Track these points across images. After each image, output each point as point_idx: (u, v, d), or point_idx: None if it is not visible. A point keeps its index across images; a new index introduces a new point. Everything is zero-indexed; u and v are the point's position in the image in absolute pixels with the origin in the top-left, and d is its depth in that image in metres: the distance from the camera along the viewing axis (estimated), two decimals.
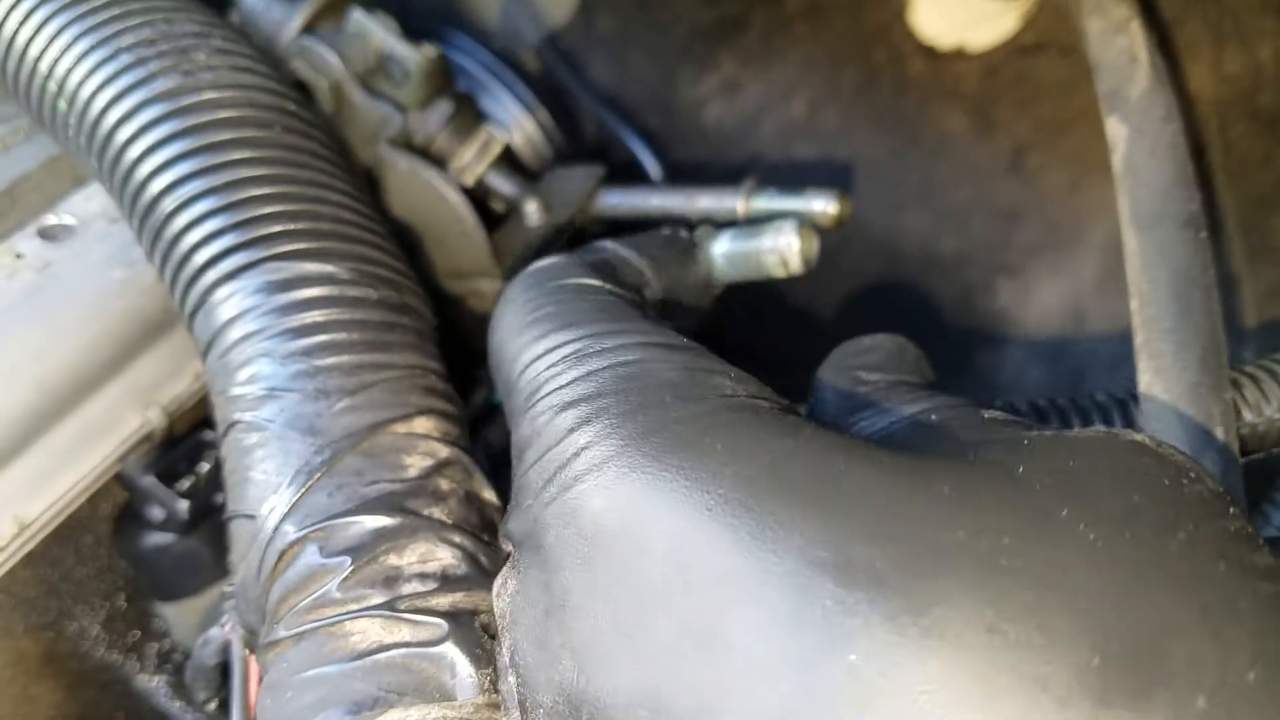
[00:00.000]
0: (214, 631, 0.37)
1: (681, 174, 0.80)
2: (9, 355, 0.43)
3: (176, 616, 0.50)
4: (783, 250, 0.46)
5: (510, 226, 0.55)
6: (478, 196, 0.56)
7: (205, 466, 0.46)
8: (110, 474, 0.45)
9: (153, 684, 0.49)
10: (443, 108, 0.55)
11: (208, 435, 0.47)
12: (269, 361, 0.35)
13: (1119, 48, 0.47)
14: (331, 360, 0.35)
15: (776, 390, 0.31)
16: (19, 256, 0.46)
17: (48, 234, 0.48)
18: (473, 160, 0.56)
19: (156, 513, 0.46)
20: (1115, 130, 0.45)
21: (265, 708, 0.30)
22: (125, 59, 0.41)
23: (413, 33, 0.55)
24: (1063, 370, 0.77)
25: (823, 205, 0.51)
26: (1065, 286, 0.76)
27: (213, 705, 0.38)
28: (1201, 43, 0.54)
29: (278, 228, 0.38)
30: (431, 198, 0.50)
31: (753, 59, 0.79)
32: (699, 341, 0.32)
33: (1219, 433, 0.36)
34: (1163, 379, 0.38)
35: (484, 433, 0.54)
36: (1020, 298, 0.78)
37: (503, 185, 0.57)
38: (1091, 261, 0.75)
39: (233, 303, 0.37)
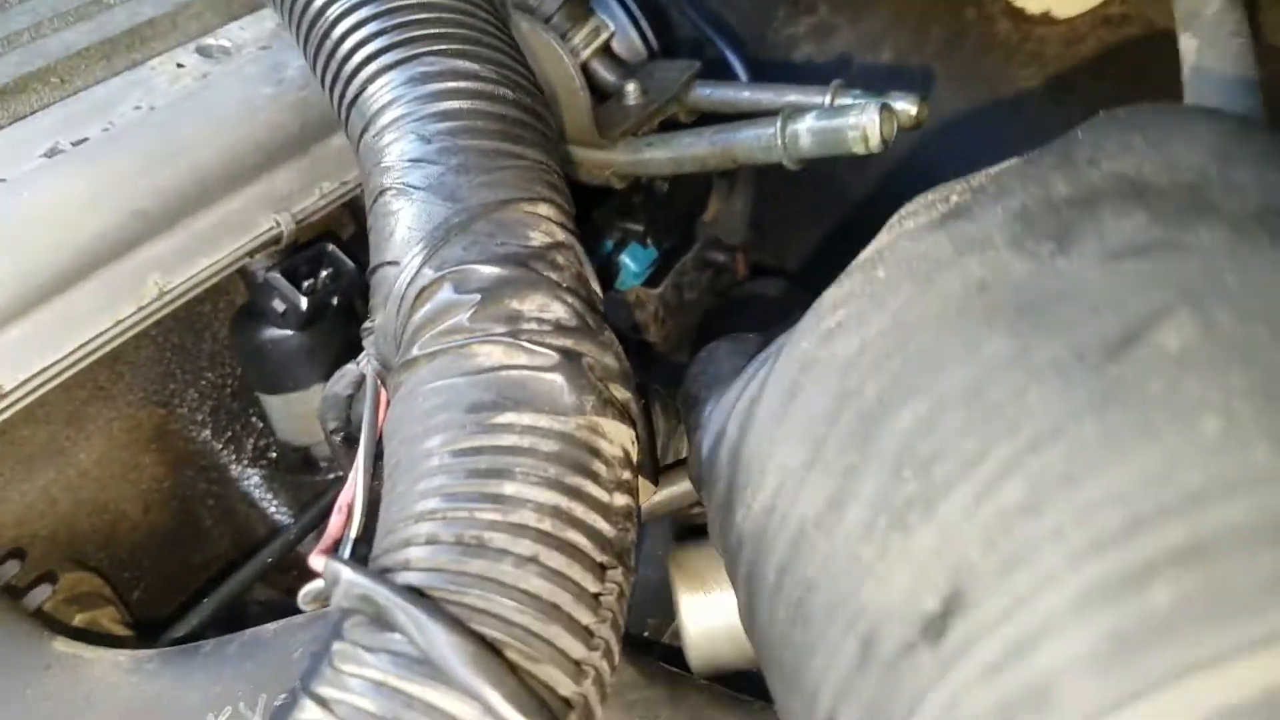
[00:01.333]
0: (349, 366, 0.42)
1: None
2: (167, 144, 0.49)
3: (280, 410, 0.55)
4: (865, 126, 0.50)
5: (611, 104, 0.60)
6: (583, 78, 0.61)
7: (324, 273, 0.52)
8: (240, 263, 0.51)
9: (247, 475, 0.54)
10: None
11: (329, 247, 0.52)
12: (417, 139, 0.40)
13: None
14: (471, 142, 0.40)
15: None
16: (180, 66, 0.52)
17: (205, 51, 0.54)
18: (581, 44, 0.61)
19: (276, 306, 0.51)
20: (1186, 45, 0.48)
21: (395, 416, 0.35)
22: None
23: None
24: None
25: (904, 105, 0.55)
26: None
27: (339, 437, 0.43)
28: None
29: (429, 30, 0.43)
30: (548, 59, 0.55)
31: (846, 6, 0.83)
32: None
33: None
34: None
35: None
36: None
37: (605, 72, 0.62)
38: None
39: (385, 92, 0.41)
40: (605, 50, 0.62)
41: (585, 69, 0.61)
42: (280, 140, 0.52)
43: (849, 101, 0.56)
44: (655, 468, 0.44)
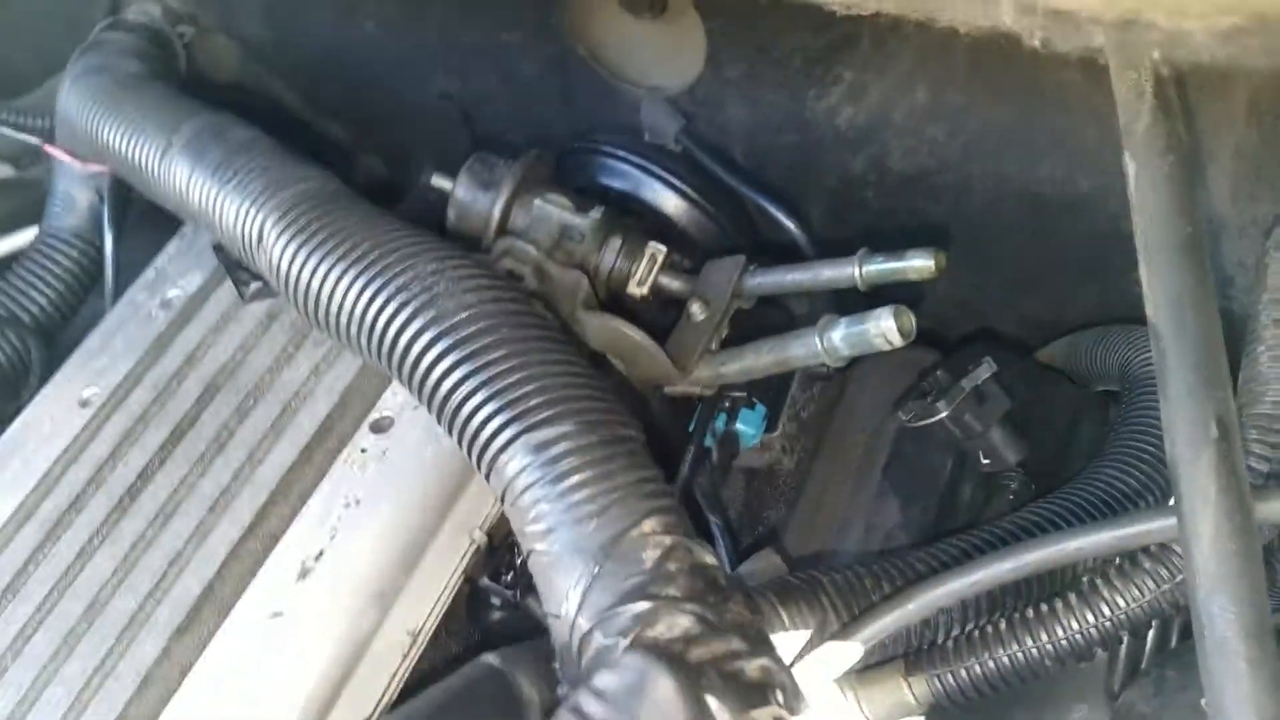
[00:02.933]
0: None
1: (826, 174, 0.91)
2: (381, 523, 0.65)
3: None
4: (885, 332, 0.59)
5: (683, 327, 0.70)
6: (656, 298, 0.72)
7: (519, 559, 0.66)
8: (461, 581, 0.66)
9: None
10: (614, 244, 0.71)
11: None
12: (544, 505, 0.52)
13: (1129, 83, 0.54)
14: (580, 495, 0.51)
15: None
16: (363, 450, 0.68)
17: (376, 427, 0.69)
18: (644, 273, 0.72)
19: (495, 601, 0.67)
20: (1127, 166, 0.53)
21: None
22: (398, 300, 0.59)
23: (576, 147, 0.68)
24: (1214, 279, 0.82)
25: (921, 261, 0.63)
26: (1203, 201, 0.80)
27: None
28: None
29: (530, 404, 0.54)
30: (620, 338, 0.67)
31: (870, 64, 0.87)
32: None
33: (1212, 428, 0.46)
34: (1163, 385, 0.48)
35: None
36: None
37: (672, 284, 0.73)
38: (1221, 173, 0.79)
39: (512, 466, 0.53)
40: (667, 263, 0.73)
41: (655, 288, 0.72)
42: (455, 481, 0.67)
43: (875, 269, 0.64)
44: None
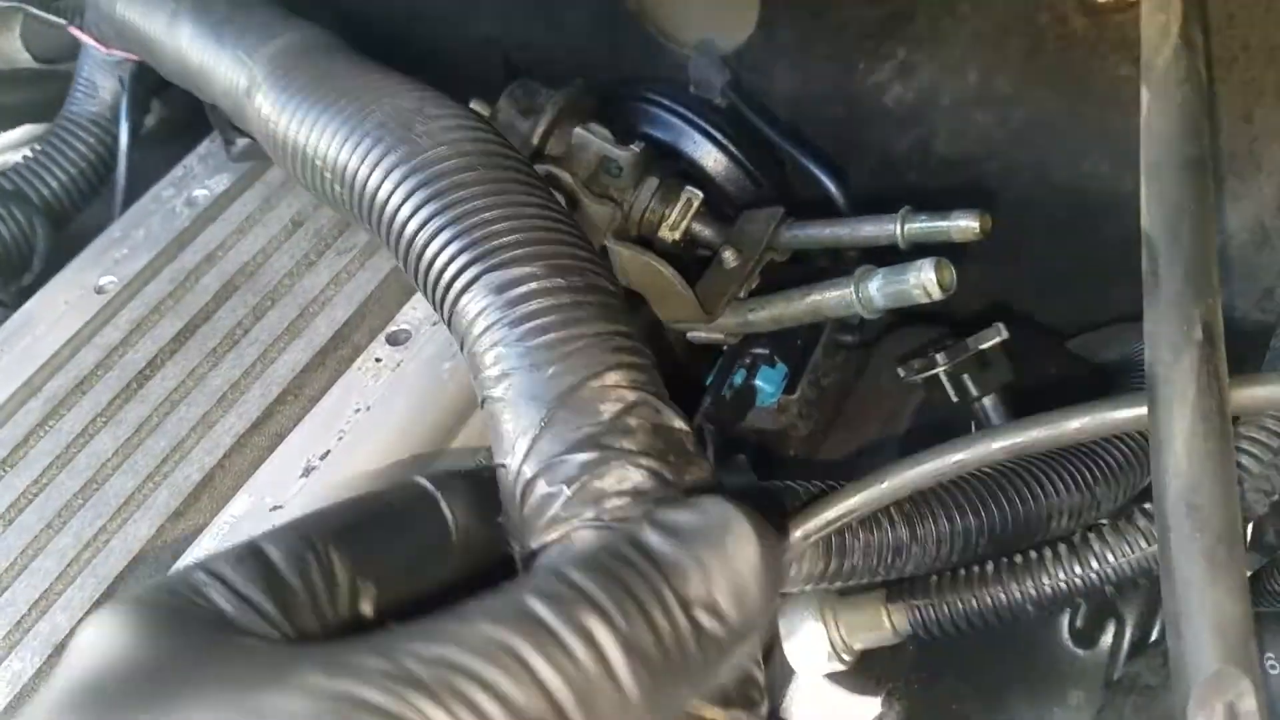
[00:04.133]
0: None
1: (869, 152, 0.90)
2: (389, 431, 0.64)
3: None
4: (925, 284, 0.58)
5: (713, 272, 0.69)
6: (687, 244, 0.71)
7: None
8: None
9: None
10: (650, 183, 0.70)
11: None
12: (501, 349, 0.47)
13: (1157, 24, 0.53)
14: (541, 339, 0.47)
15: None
16: (378, 360, 0.67)
17: (393, 339, 0.68)
18: (678, 218, 0.71)
19: None
20: (1143, 97, 0.52)
21: None
22: (371, 138, 0.55)
23: (620, 93, 0.67)
24: (1254, 290, 0.81)
25: (966, 222, 0.61)
26: (1248, 210, 0.80)
27: None
28: None
29: (495, 243, 0.49)
30: (650, 273, 0.66)
31: (923, 43, 0.86)
32: None
33: (1197, 331, 0.45)
34: (1150, 293, 0.47)
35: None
36: None
37: (705, 231, 0.72)
38: (1270, 184, 0.78)
39: (471, 307, 0.49)
40: (702, 210, 0.72)
41: (687, 235, 0.71)
42: (466, 403, 0.66)
43: (917, 227, 0.63)
44: None
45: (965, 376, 0.69)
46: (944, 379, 0.69)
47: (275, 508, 0.61)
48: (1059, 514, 0.60)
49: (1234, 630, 0.38)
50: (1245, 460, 0.53)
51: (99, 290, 0.75)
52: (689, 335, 0.69)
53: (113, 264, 0.76)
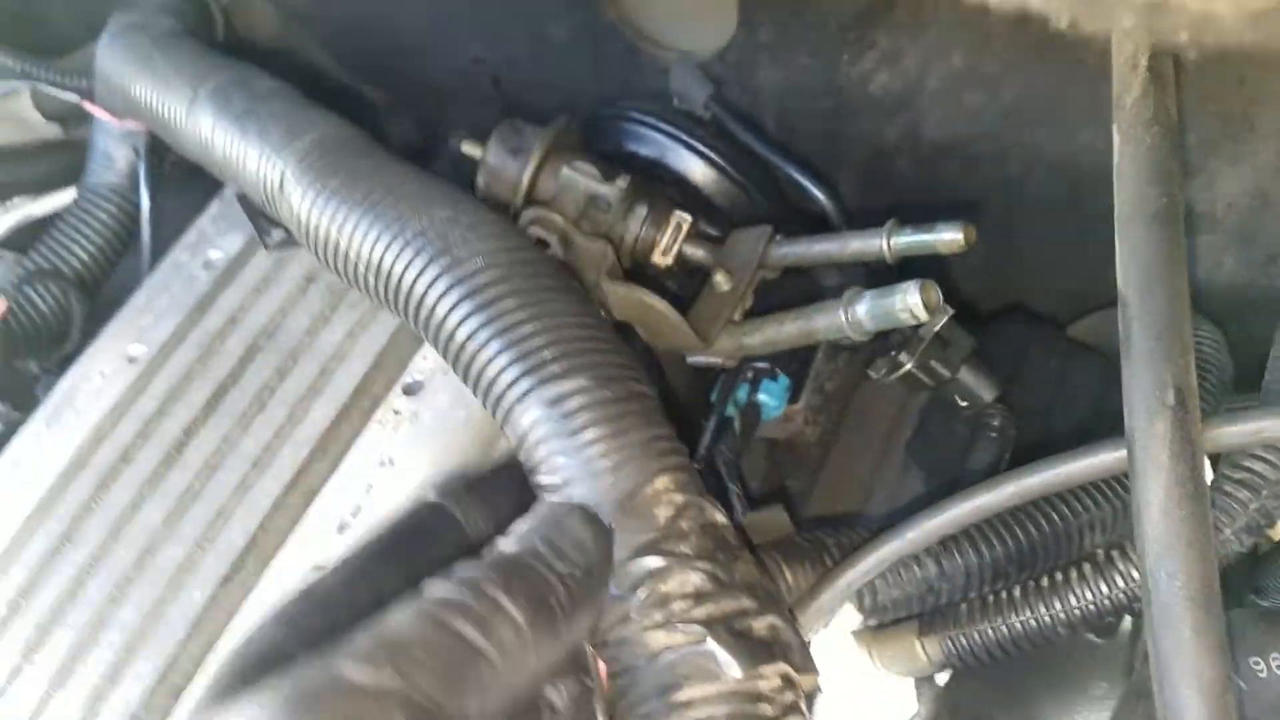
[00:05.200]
0: None
1: (859, 142, 0.91)
2: (414, 483, 0.67)
3: None
4: (910, 307, 0.59)
5: (706, 297, 0.71)
6: (680, 266, 0.73)
7: None
8: None
9: None
10: (639, 213, 0.72)
11: None
12: (559, 459, 0.52)
13: (1125, 55, 0.54)
14: (595, 450, 0.52)
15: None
16: (397, 412, 0.71)
17: (408, 390, 0.71)
18: (669, 242, 0.73)
19: None
20: (1114, 138, 0.53)
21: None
22: (413, 247, 0.59)
23: (604, 113, 0.69)
24: (1257, 256, 0.82)
25: (951, 235, 0.63)
26: (1246, 175, 0.80)
27: None
28: None
29: (544, 355, 0.54)
30: (644, 308, 0.68)
31: (905, 28, 0.87)
32: None
33: (1169, 396, 0.47)
34: (1125, 352, 0.48)
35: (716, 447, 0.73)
36: (1204, 193, 0.82)
37: (697, 253, 0.74)
38: (1268, 148, 0.78)
39: (526, 418, 0.54)
40: (692, 232, 0.74)
41: (679, 258, 0.73)
42: (479, 450, 0.69)
43: (903, 240, 0.65)
44: None
45: (933, 363, 0.72)
46: (915, 372, 0.71)
47: (316, 566, 0.65)
48: (1090, 529, 0.63)
49: (1212, 692, 0.41)
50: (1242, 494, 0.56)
51: (131, 360, 0.79)
52: (688, 359, 0.72)
53: (140, 332, 0.80)
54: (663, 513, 0.51)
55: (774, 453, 0.80)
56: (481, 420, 0.67)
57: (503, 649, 0.41)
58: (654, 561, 0.50)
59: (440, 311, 0.57)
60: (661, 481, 0.52)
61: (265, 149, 0.66)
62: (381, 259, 0.60)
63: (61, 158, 0.97)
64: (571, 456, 0.52)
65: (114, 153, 0.91)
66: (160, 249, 0.88)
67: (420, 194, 0.61)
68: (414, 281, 0.59)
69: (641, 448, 0.53)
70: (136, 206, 0.91)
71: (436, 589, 0.43)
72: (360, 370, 0.73)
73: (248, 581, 0.66)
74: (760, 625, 0.50)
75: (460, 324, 0.56)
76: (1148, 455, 0.46)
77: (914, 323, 0.60)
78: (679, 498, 0.52)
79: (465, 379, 0.58)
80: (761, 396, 0.75)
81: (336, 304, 0.77)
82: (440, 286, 0.57)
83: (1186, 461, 0.46)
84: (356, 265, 0.62)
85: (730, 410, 0.76)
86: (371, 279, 0.61)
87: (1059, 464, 0.53)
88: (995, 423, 0.76)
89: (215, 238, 0.84)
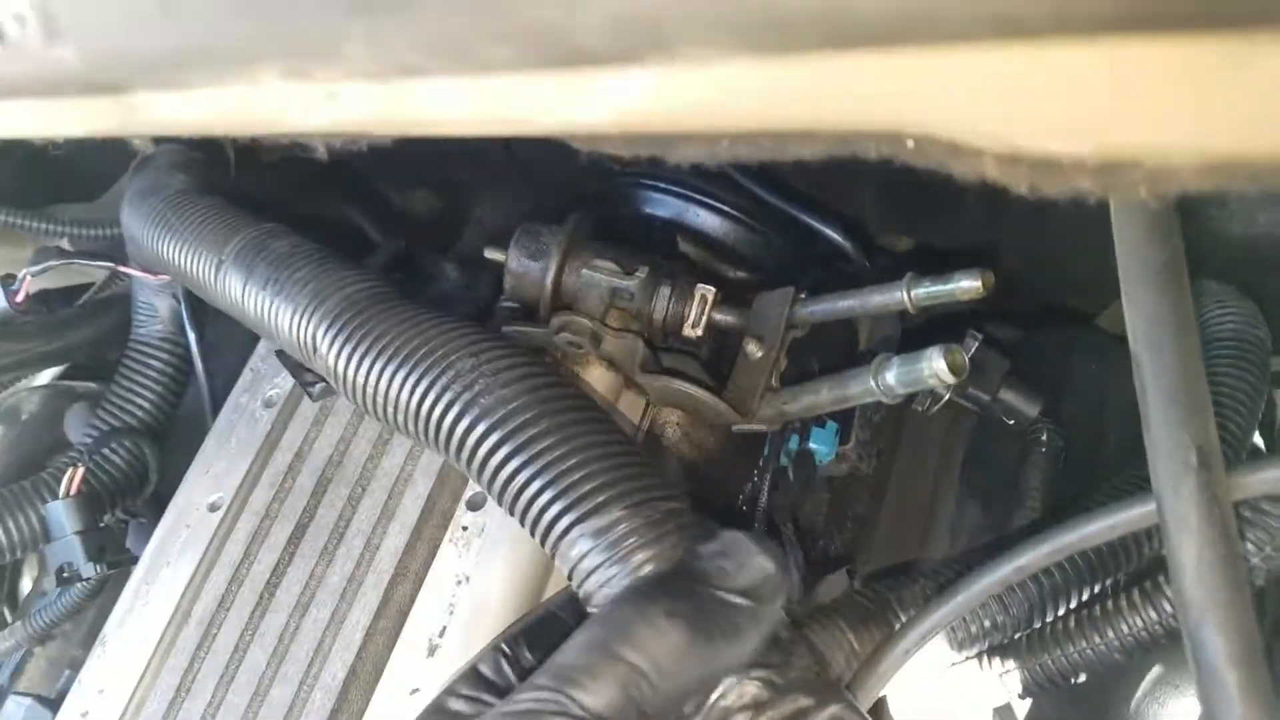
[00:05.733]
0: None
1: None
2: (492, 597, 0.70)
3: None
4: (937, 373, 0.60)
5: (741, 367, 0.73)
6: (709, 334, 0.75)
7: None
8: None
9: None
10: (663, 294, 0.74)
11: None
12: (608, 590, 0.56)
13: None
14: (645, 571, 0.56)
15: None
16: (465, 529, 0.74)
17: (472, 504, 0.74)
18: (697, 315, 0.74)
19: None
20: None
21: None
22: (451, 393, 0.63)
23: (617, 181, 0.72)
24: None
25: (969, 283, 0.64)
26: None
27: None
28: None
29: (584, 490, 0.58)
30: (682, 396, 0.70)
31: None
32: None
33: (1192, 457, 0.47)
34: (1144, 414, 0.49)
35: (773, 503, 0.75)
36: None
37: (726, 319, 0.75)
38: None
39: (575, 550, 0.58)
40: (719, 300, 0.75)
41: (710, 327, 0.75)
42: (546, 558, 0.71)
43: (923, 292, 0.66)
44: None
45: (971, 389, 0.73)
46: (957, 399, 0.72)
47: (414, 691, 0.69)
48: (1148, 537, 0.63)
49: None
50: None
51: (212, 508, 0.83)
52: (733, 428, 0.73)
53: (216, 480, 0.85)
54: None
55: (834, 484, 0.81)
56: None
57: None
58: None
59: (481, 453, 0.61)
60: None
61: (294, 313, 0.70)
62: (419, 407, 0.64)
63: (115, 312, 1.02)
64: (618, 584, 0.56)
65: (155, 302, 0.96)
66: (215, 375, 0.93)
67: (446, 341, 0.65)
68: (452, 426, 0.63)
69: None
70: (185, 349, 0.96)
71: None
72: (424, 489, 0.76)
73: (354, 713, 0.70)
74: (822, 719, 0.52)
75: (502, 464, 0.60)
76: (1178, 519, 0.47)
77: (942, 386, 0.62)
78: None
79: (512, 513, 0.62)
80: (812, 445, 0.77)
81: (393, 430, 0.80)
82: (478, 430, 0.61)
83: (1216, 523, 0.46)
84: (397, 415, 0.65)
85: (783, 460, 0.78)
86: (413, 426, 0.65)
87: (1096, 520, 0.54)
88: (1043, 438, 0.76)
89: (269, 374, 0.88)
